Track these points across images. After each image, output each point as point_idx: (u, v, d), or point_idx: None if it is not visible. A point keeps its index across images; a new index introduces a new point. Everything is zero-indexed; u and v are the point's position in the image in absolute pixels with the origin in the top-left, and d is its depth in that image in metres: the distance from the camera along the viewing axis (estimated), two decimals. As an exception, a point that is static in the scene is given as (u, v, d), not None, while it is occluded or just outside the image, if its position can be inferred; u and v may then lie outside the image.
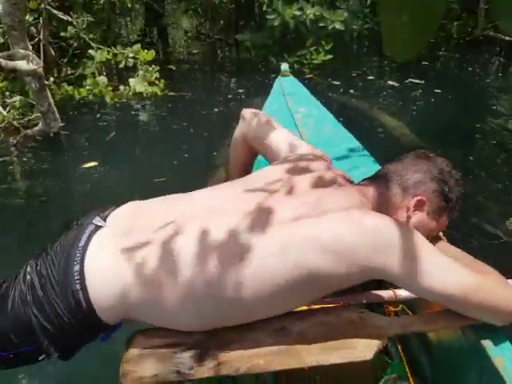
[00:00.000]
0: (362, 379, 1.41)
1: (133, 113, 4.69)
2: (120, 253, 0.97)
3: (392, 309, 1.16)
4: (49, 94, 3.63)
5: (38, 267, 0.97)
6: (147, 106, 4.79)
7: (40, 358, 1.00)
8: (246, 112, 1.33)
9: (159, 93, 4.51)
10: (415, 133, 3.74)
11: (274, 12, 5.32)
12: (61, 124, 3.78)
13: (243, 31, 6.36)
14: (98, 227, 1.03)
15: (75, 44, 4.99)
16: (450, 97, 5.07)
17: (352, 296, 1.11)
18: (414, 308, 1.18)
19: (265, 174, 1.14)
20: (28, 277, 0.97)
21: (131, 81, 4.41)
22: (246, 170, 1.41)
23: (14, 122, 3.78)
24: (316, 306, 1.10)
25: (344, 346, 1.00)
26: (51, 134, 3.67)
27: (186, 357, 0.97)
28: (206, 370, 0.96)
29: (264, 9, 5.72)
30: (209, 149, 3.61)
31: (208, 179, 2.89)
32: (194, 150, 3.70)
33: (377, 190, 1.09)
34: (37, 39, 4.52)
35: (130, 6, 6.19)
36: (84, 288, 0.93)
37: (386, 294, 1.10)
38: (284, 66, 2.85)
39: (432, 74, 6.22)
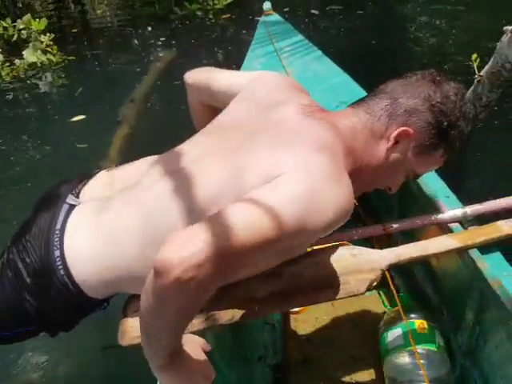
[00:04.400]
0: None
1: (35, 83, 4.51)
2: (96, 229, 0.93)
3: (384, 243, 1.14)
4: None
5: (20, 253, 0.94)
6: (49, 74, 4.61)
7: (41, 334, 1.02)
8: (187, 75, 1.17)
9: (54, 59, 4.39)
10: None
11: None
12: None
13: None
14: (72, 206, 0.98)
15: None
16: (369, 21, 5.18)
17: (343, 233, 1.09)
18: (407, 241, 1.15)
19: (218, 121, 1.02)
20: (12, 262, 0.95)
21: (24, 52, 4.30)
22: None
23: None
24: (308, 249, 1.09)
25: (337, 283, 0.99)
26: None
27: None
28: (201, 323, 0.96)
29: None
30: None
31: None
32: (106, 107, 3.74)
33: (358, 116, 0.95)
34: None
35: None
36: (68, 272, 0.90)
37: (375, 228, 1.07)
38: (266, 5, 2.67)
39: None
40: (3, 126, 3.70)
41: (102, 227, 0.92)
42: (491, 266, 0.99)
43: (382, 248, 1.05)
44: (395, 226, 1.07)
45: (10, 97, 4.22)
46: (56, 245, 0.92)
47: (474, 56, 2.38)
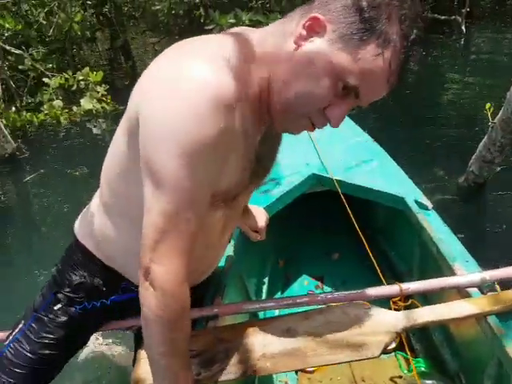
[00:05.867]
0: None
1: (89, 128, 5.02)
2: None
3: (401, 304, 1.13)
4: None
5: None
6: (102, 121, 5.11)
7: None
8: None
9: (108, 108, 4.84)
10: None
11: (212, 22, 5.52)
12: (14, 145, 4.22)
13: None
14: None
15: (32, 74, 5.40)
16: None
17: (359, 292, 1.09)
18: (424, 302, 1.15)
19: None
20: None
21: (81, 101, 4.78)
22: None
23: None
24: (323, 306, 1.09)
25: (351, 344, 0.98)
26: (6, 155, 4.18)
27: (194, 363, 0.98)
28: (213, 375, 0.97)
29: (202, 21, 6.12)
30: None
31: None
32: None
33: (272, 24, 0.83)
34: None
35: (87, 34, 6.79)
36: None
37: (392, 288, 1.07)
38: None
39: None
40: (59, 164, 4.21)
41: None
42: (510, 333, 0.97)
43: (398, 309, 1.05)
44: (412, 287, 1.06)
45: (67, 138, 4.73)
46: None
47: (488, 105, 2.52)
